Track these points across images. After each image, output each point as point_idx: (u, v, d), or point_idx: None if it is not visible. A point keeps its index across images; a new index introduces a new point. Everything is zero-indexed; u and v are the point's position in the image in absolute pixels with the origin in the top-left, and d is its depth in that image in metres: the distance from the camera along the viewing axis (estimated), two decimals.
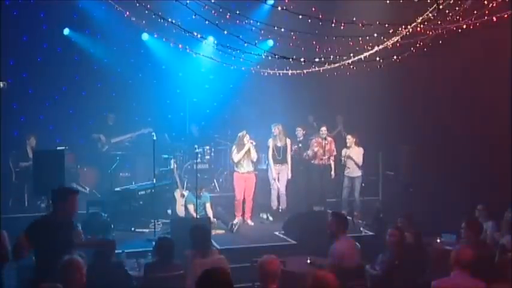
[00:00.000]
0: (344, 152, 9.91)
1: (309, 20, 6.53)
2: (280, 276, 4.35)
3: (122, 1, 8.14)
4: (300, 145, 10.52)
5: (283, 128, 9.84)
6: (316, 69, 8.11)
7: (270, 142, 9.83)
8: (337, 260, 5.62)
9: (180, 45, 8.24)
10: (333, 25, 6.60)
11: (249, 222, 9.57)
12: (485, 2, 6.26)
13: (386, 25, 6.88)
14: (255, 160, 9.52)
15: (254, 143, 9.40)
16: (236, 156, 9.35)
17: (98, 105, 11.28)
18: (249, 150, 9.31)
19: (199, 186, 8.93)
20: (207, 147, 11.57)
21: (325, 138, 10.16)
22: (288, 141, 9.89)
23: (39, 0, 10.46)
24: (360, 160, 9.83)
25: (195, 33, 7.30)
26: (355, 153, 9.83)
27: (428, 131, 10.08)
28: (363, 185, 10.20)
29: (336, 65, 7.75)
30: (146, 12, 7.11)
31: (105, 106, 11.39)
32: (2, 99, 9.23)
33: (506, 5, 6.41)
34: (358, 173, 9.90)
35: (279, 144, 9.79)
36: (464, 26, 6.70)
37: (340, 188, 9.96)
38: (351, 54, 7.51)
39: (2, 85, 8.50)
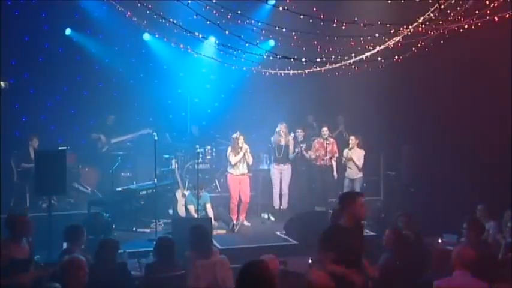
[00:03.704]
0: (346, 152, 9.90)
1: (311, 20, 6.54)
2: (281, 276, 4.34)
3: (123, 1, 8.15)
4: (302, 145, 10.51)
5: (287, 127, 9.83)
6: (318, 69, 8.11)
7: (273, 139, 9.81)
8: None
9: (181, 45, 8.24)
10: (334, 25, 6.60)
11: (245, 223, 9.55)
12: (487, 2, 6.26)
13: (388, 25, 6.88)
14: (251, 163, 9.53)
15: (248, 150, 9.40)
16: (234, 159, 9.33)
17: (100, 105, 11.28)
18: (245, 153, 9.32)
19: (199, 185, 8.94)
20: (208, 147, 11.55)
21: (327, 139, 10.17)
22: (291, 141, 9.87)
23: (40, 0, 10.47)
24: (360, 162, 9.81)
25: (197, 33, 7.31)
26: (356, 155, 9.81)
27: (429, 131, 10.07)
28: (364, 185, 10.19)
29: (337, 65, 7.76)
30: (147, 12, 7.12)
31: (106, 106, 11.39)
32: (3, 99, 9.27)
33: (507, 5, 6.40)
34: (358, 174, 9.88)
35: (281, 143, 9.78)
36: (466, 26, 6.70)
37: (341, 188, 9.95)
38: (352, 54, 7.51)
39: (3, 85, 8.54)
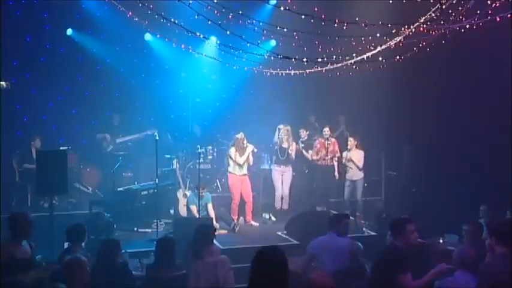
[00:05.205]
0: (345, 154, 9.87)
1: (312, 20, 6.54)
2: None
3: (124, 1, 8.16)
4: (303, 145, 10.50)
5: (289, 130, 9.79)
6: (319, 69, 8.11)
7: (276, 139, 9.79)
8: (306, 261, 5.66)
9: (182, 46, 8.26)
10: (336, 25, 6.61)
11: (253, 223, 9.57)
12: (488, 2, 6.25)
13: (389, 25, 6.88)
14: (251, 163, 9.55)
15: (256, 150, 9.43)
16: (240, 159, 9.34)
17: (101, 106, 11.31)
18: (250, 153, 9.33)
19: (201, 185, 8.95)
20: (210, 147, 11.56)
21: (328, 139, 10.15)
22: (294, 143, 9.85)
23: (42, 0, 10.49)
24: (361, 163, 9.75)
25: (198, 34, 7.33)
26: (356, 156, 9.77)
27: (430, 131, 10.06)
28: (366, 185, 10.17)
29: (339, 65, 7.76)
30: (149, 12, 7.15)
31: (108, 106, 11.41)
32: (5, 99, 9.29)
33: (508, 5, 6.40)
34: (359, 175, 9.83)
35: (284, 145, 9.76)
36: (467, 26, 6.69)
37: (343, 188, 9.95)
38: (354, 55, 7.51)
39: (5, 85, 8.54)
